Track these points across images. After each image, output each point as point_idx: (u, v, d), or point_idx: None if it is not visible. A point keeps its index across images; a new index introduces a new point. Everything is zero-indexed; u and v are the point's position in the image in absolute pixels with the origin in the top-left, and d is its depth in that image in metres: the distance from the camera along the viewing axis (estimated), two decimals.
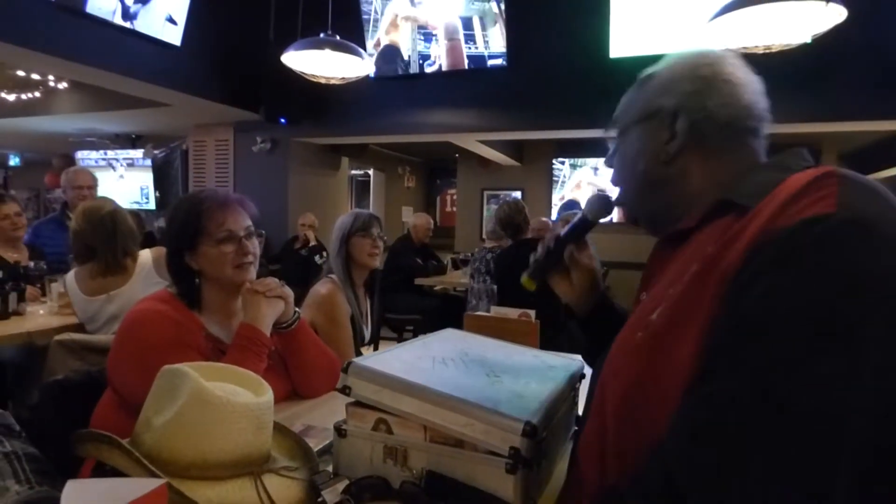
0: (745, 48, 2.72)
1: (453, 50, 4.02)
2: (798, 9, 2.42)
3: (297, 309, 1.26)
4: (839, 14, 2.46)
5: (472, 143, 4.96)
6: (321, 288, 1.75)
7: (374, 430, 0.84)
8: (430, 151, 6.59)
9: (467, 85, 4.18)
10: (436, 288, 4.35)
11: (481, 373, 0.94)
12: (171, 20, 3.76)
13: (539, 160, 5.91)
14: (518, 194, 5.98)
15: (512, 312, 1.72)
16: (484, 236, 5.74)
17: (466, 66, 4.01)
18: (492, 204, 6.16)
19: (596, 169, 5.74)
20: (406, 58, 4.17)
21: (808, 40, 3.14)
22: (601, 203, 0.90)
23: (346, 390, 0.85)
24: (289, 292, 1.21)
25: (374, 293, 1.96)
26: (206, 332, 1.15)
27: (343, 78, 3.45)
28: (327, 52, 3.20)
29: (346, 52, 3.21)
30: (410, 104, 4.38)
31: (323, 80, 3.41)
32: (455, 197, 6.83)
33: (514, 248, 3.33)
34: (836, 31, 3.17)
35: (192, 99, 4.12)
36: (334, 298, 1.73)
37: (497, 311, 1.75)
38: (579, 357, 1.19)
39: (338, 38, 3.19)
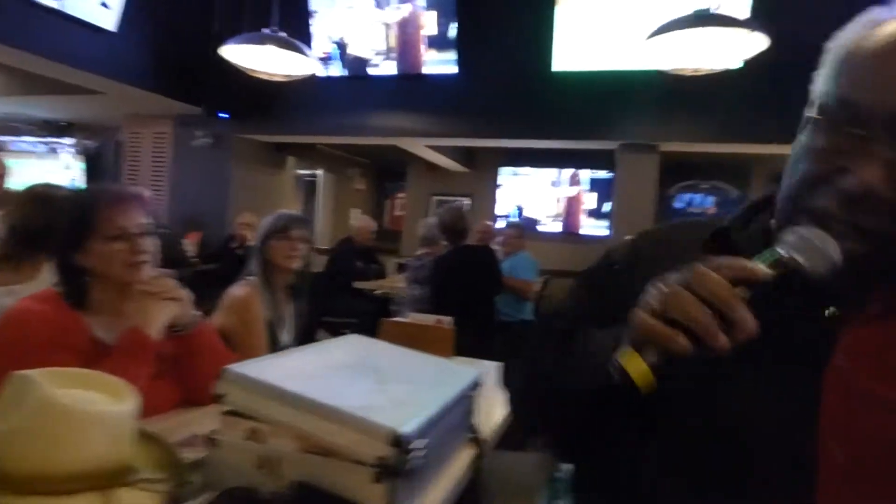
0: (676, 69, 2.83)
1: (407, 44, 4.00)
2: (726, 35, 2.53)
3: (197, 312, 1.21)
4: (762, 42, 2.60)
5: (421, 148, 4.97)
6: (236, 290, 1.70)
7: (247, 439, 0.82)
8: (381, 154, 6.55)
9: (417, 89, 4.18)
10: (376, 292, 4.31)
11: (370, 380, 0.93)
12: (105, 4, 3.59)
13: (488, 167, 5.97)
14: (467, 201, 6.02)
15: (428, 319, 1.71)
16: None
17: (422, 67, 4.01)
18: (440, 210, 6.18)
19: (556, 182, 5.83)
20: (356, 56, 4.13)
21: (740, 65, 3.31)
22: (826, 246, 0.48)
23: (220, 398, 0.83)
24: (185, 294, 1.16)
25: (299, 297, 1.91)
26: (90, 334, 1.09)
27: (287, 76, 3.39)
28: (270, 49, 3.13)
29: (291, 49, 3.15)
30: (359, 105, 4.34)
31: (265, 77, 3.34)
32: (405, 201, 6.81)
33: (455, 253, 3.35)
34: (767, 55, 3.36)
35: (127, 88, 3.94)
36: (249, 302, 1.68)
37: (414, 317, 1.74)
38: (491, 364, 1.20)
39: (284, 34, 3.13)
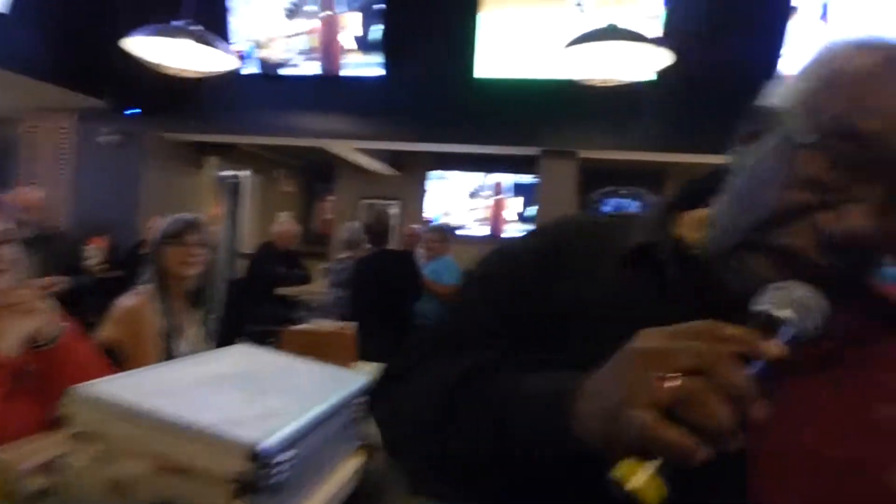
0: (587, 79, 2.94)
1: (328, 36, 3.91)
2: (633, 49, 2.66)
3: (63, 324, 1.12)
4: (668, 58, 2.76)
5: (348, 150, 4.89)
6: (126, 301, 1.60)
7: (98, 461, 0.76)
8: (309, 156, 6.40)
9: (342, 91, 4.11)
10: (299, 298, 4.19)
11: (243, 392, 0.89)
12: None
13: (416, 171, 5.97)
14: (396, 204, 5.99)
15: (330, 326, 1.68)
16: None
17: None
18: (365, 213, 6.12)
19: (483, 187, 5.90)
20: (278, 55, 4.01)
21: (653, 77, 3.49)
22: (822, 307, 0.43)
23: (65, 420, 0.76)
24: (48, 305, 1.07)
25: (200, 305, 1.82)
26: None
27: (201, 72, 3.24)
28: (182, 42, 2.97)
29: (205, 43, 3.00)
30: (282, 105, 4.22)
31: (175, 73, 3.18)
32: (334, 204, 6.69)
33: (375, 257, 3.34)
34: (678, 70, 3.55)
35: (17, 77, 3.62)
36: (140, 312, 1.58)
37: (316, 324, 1.70)
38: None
39: (198, 27, 2.98)
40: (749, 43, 3.49)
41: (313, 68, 3.98)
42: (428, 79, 3.92)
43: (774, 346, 0.38)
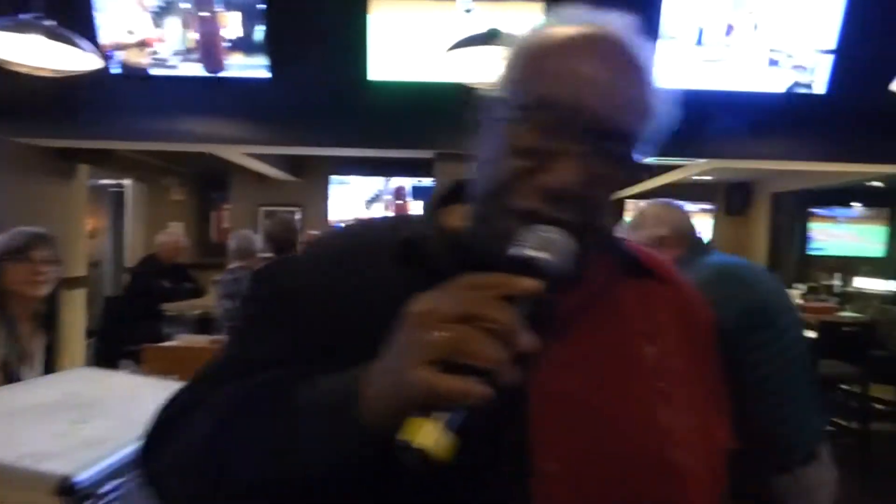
0: (473, 83, 3.02)
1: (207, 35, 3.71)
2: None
3: None
4: None
5: (239, 156, 4.68)
6: None
7: None
8: (200, 162, 6.05)
9: (225, 94, 3.91)
10: (194, 313, 3.95)
11: (66, 421, 0.81)
12: None
13: (317, 176, 5.83)
14: (297, 210, 5.82)
15: (197, 341, 1.59)
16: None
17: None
18: (268, 221, 5.89)
19: (384, 191, 5.86)
20: (154, 55, 3.74)
21: None
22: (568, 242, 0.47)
23: None
24: None
25: (50, 327, 1.65)
26: None
27: (57, 71, 2.95)
28: (31, 38, 2.69)
29: (62, 41, 2.74)
30: (160, 108, 3.94)
31: (26, 71, 2.87)
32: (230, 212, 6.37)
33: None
34: None
35: None
36: None
37: (184, 339, 1.60)
38: None
39: (52, 22, 2.71)
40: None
41: (193, 69, 3.76)
42: (318, 81, 3.84)
43: (529, 283, 0.40)
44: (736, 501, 0.59)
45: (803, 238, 6.80)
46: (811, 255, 6.81)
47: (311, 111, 3.90)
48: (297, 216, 5.84)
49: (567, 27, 0.53)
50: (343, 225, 0.70)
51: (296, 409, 0.44)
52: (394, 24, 3.69)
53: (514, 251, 0.44)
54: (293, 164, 5.68)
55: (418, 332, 0.38)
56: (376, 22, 3.67)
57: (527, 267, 0.43)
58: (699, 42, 3.74)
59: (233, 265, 3.33)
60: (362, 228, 0.68)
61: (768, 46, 3.77)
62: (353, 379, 0.42)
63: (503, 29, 2.82)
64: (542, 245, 0.44)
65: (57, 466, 0.66)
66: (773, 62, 3.81)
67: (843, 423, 4.07)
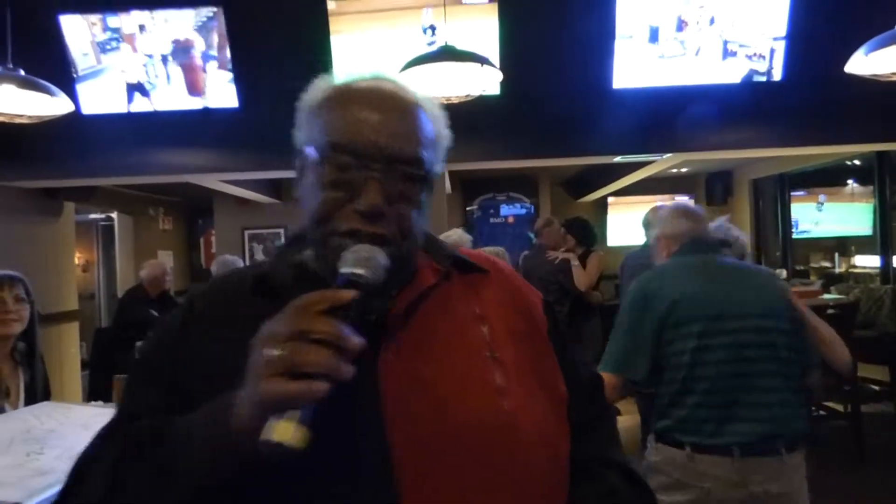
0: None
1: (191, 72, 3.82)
2: (464, 69, 2.86)
3: None
4: (497, 76, 3.01)
5: (217, 183, 4.77)
6: None
7: None
8: (185, 190, 6.14)
9: (199, 125, 4.01)
10: None
11: (24, 451, 0.89)
12: None
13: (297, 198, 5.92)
14: (281, 232, 5.90)
15: None
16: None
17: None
18: (254, 244, 5.98)
19: None
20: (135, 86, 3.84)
21: (484, 92, 3.71)
22: (377, 256, 0.59)
23: None
24: None
25: (30, 364, 1.72)
26: None
27: (32, 117, 3.05)
28: (5, 88, 2.79)
29: (30, 88, 2.84)
30: (138, 142, 4.03)
31: (3, 120, 2.97)
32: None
33: None
34: (522, 87, 3.82)
35: None
36: None
37: None
38: None
39: (21, 72, 2.81)
40: (580, 63, 3.86)
41: (169, 102, 3.86)
42: (285, 108, 3.91)
43: (343, 294, 0.51)
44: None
45: (787, 222, 6.88)
46: (797, 239, 6.88)
47: (281, 136, 3.97)
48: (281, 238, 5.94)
49: (348, 83, 0.67)
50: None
51: (175, 437, 0.54)
52: (356, 45, 3.79)
53: (340, 271, 0.55)
54: (274, 187, 5.77)
55: (262, 352, 0.48)
56: (339, 44, 3.77)
57: (350, 283, 0.53)
58: (653, 39, 3.84)
59: None
60: (228, 274, 0.77)
61: (722, 38, 3.87)
62: (223, 401, 0.52)
63: (457, 46, 2.92)
64: (358, 263, 0.55)
65: (9, 494, 0.74)
66: (730, 53, 3.91)
67: (834, 406, 4.11)
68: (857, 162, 6.04)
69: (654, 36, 3.84)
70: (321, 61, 3.76)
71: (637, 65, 3.85)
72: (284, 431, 0.44)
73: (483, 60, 2.82)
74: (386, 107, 0.64)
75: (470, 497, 0.59)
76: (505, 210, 6.65)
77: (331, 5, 3.69)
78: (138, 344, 3.19)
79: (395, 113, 0.64)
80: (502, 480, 0.60)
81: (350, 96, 0.65)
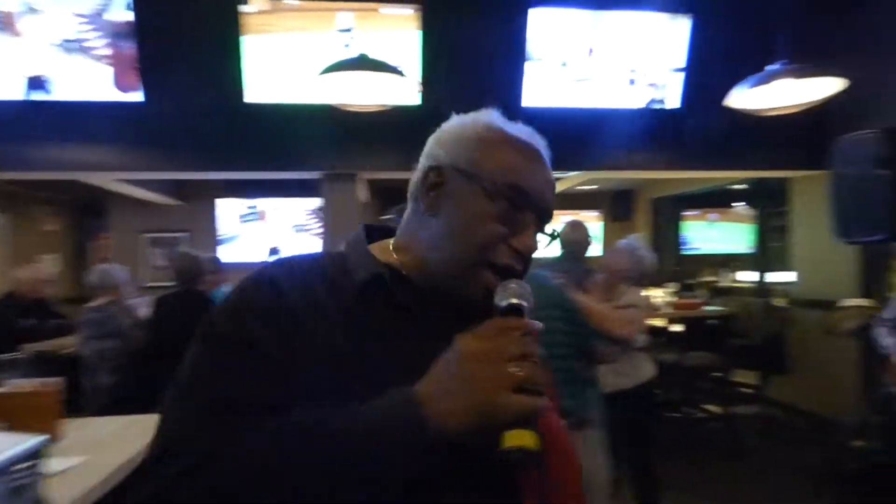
0: (345, 104, 3.09)
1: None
2: (382, 78, 2.85)
3: None
4: (414, 87, 3.03)
5: (111, 182, 4.41)
6: None
7: None
8: (76, 189, 5.63)
9: (99, 119, 3.70)
10: (63, 352, 3.65)
11: None
12: None
13: (204, 199, 5.61)
14: (184, 236, 5.56)
15: (25, 385, 1.50)
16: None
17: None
18: (155, 249, 5.59)
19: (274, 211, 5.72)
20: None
21: (419, 103, 3.75)
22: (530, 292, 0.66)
23: None
24: None
25: None
26: None
27: None
28: None
29: None
30: (24, 134, 3.65)
31: None
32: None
33: (183, 297, 3.13)
34: (439, 98, 3.86)
35: None
36: None
37: (12, 385, 1.51)
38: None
39: None
40: (491, 80, 3.97)
41: (66, 93, 3.53)
42: (193, 104, 3.73)
43: (533, 323, 0.59)
44: None
45: (678, 239, 7.43)
46: (687, 255, 7.44)
47: (187, 134, 3.78)
48: (186, 242, 5.58)
49: (516, 132, 0.72)
50: (272, 262, 0.69)
51: (354, 433, 0.53)
52: (269, 46, 3.67)
53: (504, 300, 0.61)
54: (177, 188, 5.44)
55: (491, 367, 0.54)
56: (251, 45, 3.63)
57: (512, 311, 0.60)
58: (564, 63, 4.03)
59: (98, 301, 3.13)
60: (300, 260, 0.71)
61: (627, 67, 4.13)
62: (404, 399, 0.55)
63: (376, 54, 2.90)
64: (519, 294, 0.61)
65: None
66: (632, 81, 4.19)
67: (711, 408, 4.47)
68: (742, 186, 6.63)
69: (564, 60, 4.03)
70: (232, 61, 3.60)
71: (547, 86, 4.02)
72: (528, 438, 0.52)
73: (400, 73, 2.82)
74: (548, 167, 0.73)
75: None
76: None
77: (242, 6, 3.55)
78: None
79: (552, 175, 0.73)
80: None
81: (525, 146, 0.71)
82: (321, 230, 4.24)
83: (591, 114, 4.07)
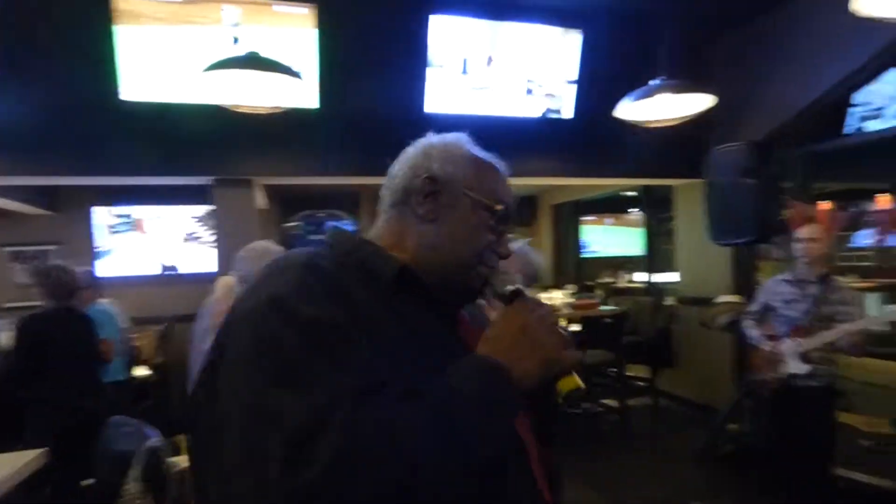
0: (235, 105, 2.91)
1: None
2: (272, 79, 2.70)
3: None
4: (310, 89, 2.92)
5: None
6: None
7: None
8: None
9: None
10: None
11: None
12: None
13: (77, 208, 5.07)
14: (54, 248, 4.99)
15: None
16: None
17: None
18: (16, 264, 4.96)
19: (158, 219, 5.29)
20: None
21: (317, 107, 3.62)
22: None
23: None
24: None
25: None
26: None
27: None
28: None
29: None
30: None
31: None
32: None
33: (55, 316, 2.85)
34: (342, 102, 3.75)
35: None
36: None
37: None
38: None
39: None
40: (393, 85, 3.93)
41: None
42: (61, 101, 3.35)
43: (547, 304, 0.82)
44: None
45: (578, 243, 7.81)
46: (586, 258, 7.84)
47: (55, 135, 3.39)
48: (58, 255, 5.00)
49: (490, 156, 0.88)
50: (288, 262, 0.72)
51: (465, 403, 0.63)
52: (147, 38, 3.37)
53: (507, 287, 0.81)
54: (47, 196, 4.87)
55: (549, 332, 0.72)
56: (126, 36, 3.32)
57: (519, 294, 0.79)
58: (464, 71, 4.08)
59: None
60: (323, 262, 0.73)
61: (524, 77, 4.26)
62: (492, 370, 0.67)
63: (269, 53, 2.75)
64: (513, 281, 0.82)
65: None
66: (530, 91, 4.33)
67: (608, 402, 4.73)
68: (633, 193, 7.10)
69: (465, 68, 4.09)
70: (105, 56, 3.27)
71: (448, 92, 4.05)
72: (577, 380, 0.71)
73: (293, 73, 2.69)
74: None
75: None
76: (329, 227, 6.48)
77: None
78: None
79: None
80: None
81: (500, 169, 0.88)
82: (214, 239, 3.94)
83: (491, 121, 4.15)
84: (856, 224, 3.80)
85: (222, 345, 0.67)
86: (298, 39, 3.64)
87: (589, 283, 7.35)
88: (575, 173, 4.71)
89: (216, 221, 3.89)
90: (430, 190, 0.80)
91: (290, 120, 3.49)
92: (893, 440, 2.96)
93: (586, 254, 7.87)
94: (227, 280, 2.55)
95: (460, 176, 0.81)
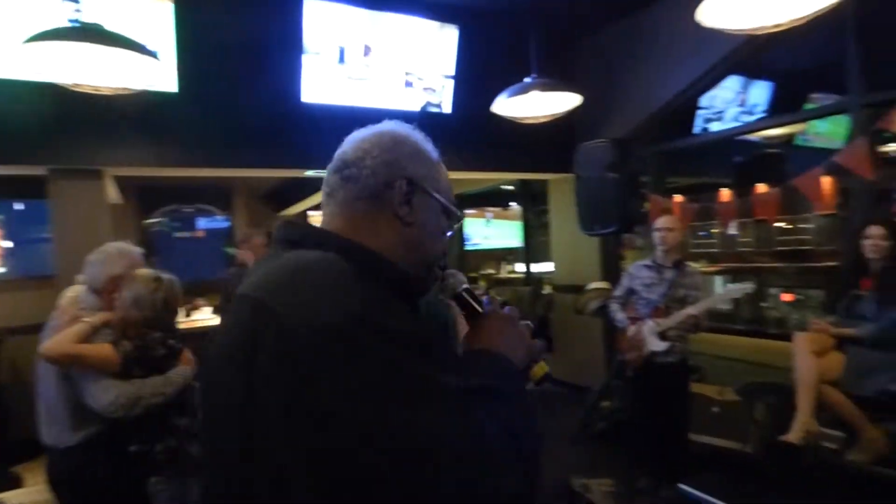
0: (76, 84, 2.52)
1: None
2: (118, 55, 2.38)
3: None
4: (162, 69, 2.61)
5: None
6: None
7: None
8: None
9: None
10: None
11: None
12: None
13: None
14: None
15: None
16: None
17: None
18: None
19: None
20: None
21: (152, 88, 3.24)
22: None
23: None
24: None
25: None
26: None
27: None
28: None
29: None
30: None
31: None
32: None
33: None
34: (200, 86, 3.43)
35: None
36: None
37: None
38: None
39: None
40: (268, 71, 3.69)
41: None
42: None
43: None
44: None
45: (462, 236, 7.97)
46: (470, 251, 8.03)
47: None
48: None
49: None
50: (328, 272, 0.67)
51: (524, 395, 0.80)
52: None
53: (460, 286, 0.88)
54: None
55: (518, 326, 0.84)
56: None
57: (470, 292, 0.88)
58: (342, 60, 3.93)
59: None
60: (372, 282, 0.70)
61: (403, 69, 4.21)
62: (500, 360, 0.79)
63: (112, 27, 2.41)
64: (463, 281, 0.89)
65: None
66: (409, 84, 4.28)
67: None
68: (511, 187, 7.37)
69: (341, 57, 3.94)
70: None
71: (325, 82, 3.88)
72: (545, 367, 0.86)
73: (146, 50, 2.38)
74: None
75: None
76: (200, 224, 5.98)
77: None
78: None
79: None
80: None
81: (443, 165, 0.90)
82: (49, 236, 3.38)
83: (371, 114, 3.99)
84: (704, 215, 4.26)
85: (273, 377, 0.59)
86: (152, 15, 3.27)
87: (473, 274, 7.53)
88: (456, 166, 4.75)
89: (52, 217, 3.37)
90: (409, 192, 0.80)
91: (144, 104, 3.13)
92: (738, 406, 3.34)
93: (469, 246, 8.05)
94: (76, 288, 2.15)
95: (430, 178, 0.83)
